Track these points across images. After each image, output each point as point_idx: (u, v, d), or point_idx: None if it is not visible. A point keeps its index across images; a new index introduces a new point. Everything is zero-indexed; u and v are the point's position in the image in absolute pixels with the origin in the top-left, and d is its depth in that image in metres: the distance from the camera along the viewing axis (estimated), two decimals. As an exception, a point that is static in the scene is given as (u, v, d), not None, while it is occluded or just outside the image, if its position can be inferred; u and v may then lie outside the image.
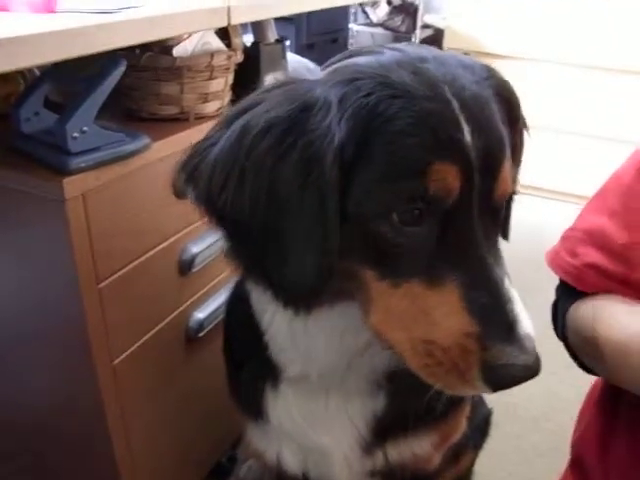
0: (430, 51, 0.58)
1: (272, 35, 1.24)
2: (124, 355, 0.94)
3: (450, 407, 0.77)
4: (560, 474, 0.92)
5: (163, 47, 0.97)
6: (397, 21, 3.19)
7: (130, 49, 0.87)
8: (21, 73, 1.03)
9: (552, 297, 0.85)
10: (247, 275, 0.63)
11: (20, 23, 0.72)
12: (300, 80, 0.56)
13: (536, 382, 0.52)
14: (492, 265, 0.52)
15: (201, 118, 1.05)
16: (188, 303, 1.06)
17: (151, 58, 0.97)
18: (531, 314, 0.52)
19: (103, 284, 0.87)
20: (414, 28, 3.14)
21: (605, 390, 0.85)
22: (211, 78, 1.04)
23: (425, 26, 3.19)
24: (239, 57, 1.10)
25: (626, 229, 0.74)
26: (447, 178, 0.50)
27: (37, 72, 1.01)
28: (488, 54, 2.69)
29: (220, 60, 1.03)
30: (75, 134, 0.80)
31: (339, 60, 0.60)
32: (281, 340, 0.69)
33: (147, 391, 1.03)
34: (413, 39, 3.15)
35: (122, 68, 0.83)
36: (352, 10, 3.28)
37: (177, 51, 0.98)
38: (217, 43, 1.05)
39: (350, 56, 0.59)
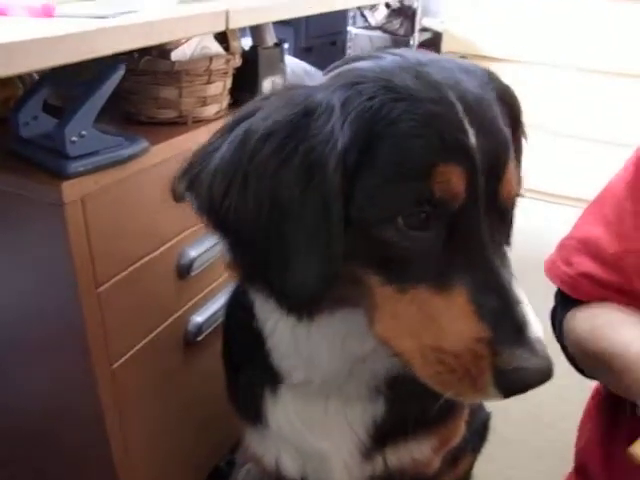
0: (430, 56, 0.58)
1: (271, 39, 1.25)
2: (123, 359, 0.94)
3: (449, 412, 0.77)
4: (561, 478, 0.92)
5: (161, 51, 0.97)
6: (395, 24, 3.20)
7: (128, 53, 0.87)
8: (20, 77, 1.03)
9: (552, 301, 0.85)
10: (249, 284, 0.63)
11: (19, 28, 0.73)
12: (301, 86, 0.56)
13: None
14: (500, 268, 0.52)
15: (199, 122, 1.05)
16: (187, 307, 1.06)
17: (150, 62, 0.97)
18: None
19: (102, 288, 0.87)
20: (412, 31, 3.15)
21: (605, 399, 0.85)
22: (209, 82, 1.04)
23: (423, 29, 3.20)
24: (237, 61, 1.10)
25: (617, 238, 0.75)
26: (452, 180, 0.50)
27: (36, 76, 1.01)
28: (485, 57, 2.70)
29: (219, 64, 1.03)
30: (74, 138, 0.80)
31: (339, 66, 0.59)
32: (284, 347, 0.68)
33: (146, 395, 1.03)
34: (411, 42, 3.16)
35: (121, 72, 0.83)
36: (351, 13, 3.29)
37: (176, 55, 0.98)
38: (216, 47, 1.05)
39: (350, 61, 0.59)
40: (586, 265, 0.77)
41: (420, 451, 0.78)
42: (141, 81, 0.99)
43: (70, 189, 0.79)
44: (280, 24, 1.32)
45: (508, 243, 0.62)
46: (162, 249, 0.97)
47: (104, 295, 0.87)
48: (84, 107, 0.80)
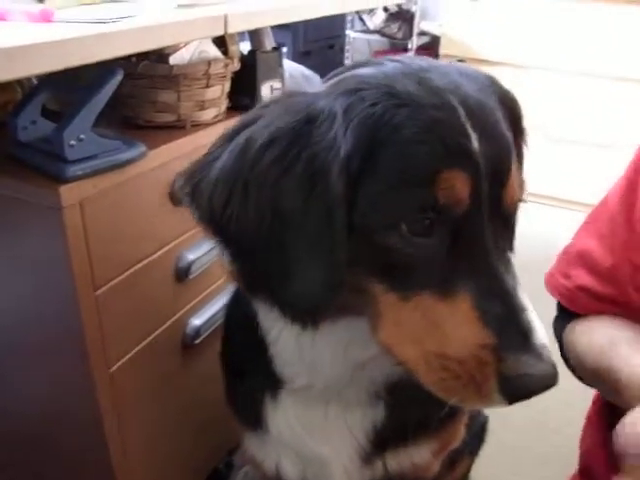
0: (431, 61, 0.58)
1: (269, 43, 1.25)
2: (121, 362, 0.94)
3: (450, 416, 0.77)
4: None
5: (160, 55, 0.98)
6: (393, 28, 3.21)
7: (127, 57, 0.88)
8: (18, 81, 1.03)
9: (555, 307, 0.86)
10: (252, 293, 0.62)
11: (18, 33, 0.73)
12: (302, 93, 0.56)
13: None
14: (504, 274, 0.52)
15: (198, 126, 1.05)
16: (185, 310, 1.06)
17: (148, 66, 0.97)
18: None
19: (100, 291, 0.87)
20: (410, 35, 3.16)
21: (605, 405, 0.85)
22: (208, 86, 1.04)
23: (421, 33, 3.21)
24: (236, 65, 1.10)
25: (611, 251, 0.75)
26: (457, 186, 0.50)
27: (34, 81, 1.02)
28: (483, 61, 2.71)
29: (217, 68, 1.04)
30: (72, 142, 0.81)
31: (340, 73, 0.59)
32: (287, 354, 0.68)
33: (144, 398, 1.03)
34: (409, 46, 3.17)
35: (119, 77, 0.83)
36: (349, 17, 3.30)
37: (174, 59, 0.99)
38: (214, 51, 1.06)
39: (351, 68, 0.59)
40: (583, 278, 0.78)
41: (420, 455, 0.78)
42: (139, 85, 1.00)
43: (68, 193, 0.79)
44: (278, 28, 1.32)
45: (511, 249, 0.62)
46: (160, 252, 0.98)
47: (102, 298, 0.88)
48: (82, 111, 0.81)
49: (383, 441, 0.75)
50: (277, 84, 1.22)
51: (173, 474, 1.16)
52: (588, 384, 0.79)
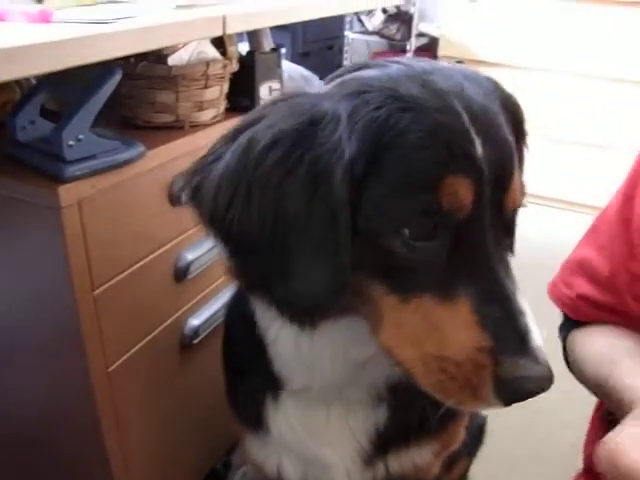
0: (435, 64, 0.58)
1: (268, 44, 1.25)
2: (119, 362, 0.94)
3: (451, 417, 0.77)
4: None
5: (158, 56, 0.98)
6: (392, 29, 3.21)
7: (125, 58, 0.88)
8: (17, 82, 1.03)
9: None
10: (251, 291, 0.62)
11: (17, 33, 0.73)
12: (305, 93, 0.56)
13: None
14: (504, 278, 0.52)
15: (196, 126, 1.05)
16: (183, 310, 1.06)
17: (146, 67, 0.98)
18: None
19: (98, 291, 0.87)
20: (409, 36, 3.16)
21: (608, 413, 0.85)
22: (206, 86, 1.04)
23: (420, 34, 3.21)
24: (234, 66, 1.10)
25: (609, 261, 0.76)
26: (460, 192, 0.50)
27: (33, 81, 1.02)
28: (482, 62, 2.71)
29: (215, 69, 1.04)
30: (71, 142, 0.81)
31: (343, 74, 0.59)
32: (286, 354, 0.68)
33: (142, 398, 1.03)
34: (408, 47, 3.17)
35: (118, 77, 0.83)
36: (348, 18, 3.30)
37: (172, 60, 0.99)
38: (212, 52, 1.06)
39: (354, 70, 0.59)
40: (583, 287, 0.79)
41: (421, 457, 0.78)
42: (138, 86, 1.00)
43: (67, 193, 0.79)
44: (277, 29, 1.32)
45: (512, 251, 0.62)
46: (159, 252, 0.98)
47: (101, 298, 0.88)
48: (81, 111, 0.81)
49: (385, 442, 0.75)
50: (276, 85, 1.23)
51: (171, 474, 1.16)
52: (589, 390, 0.80)
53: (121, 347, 0.95)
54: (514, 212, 0.57)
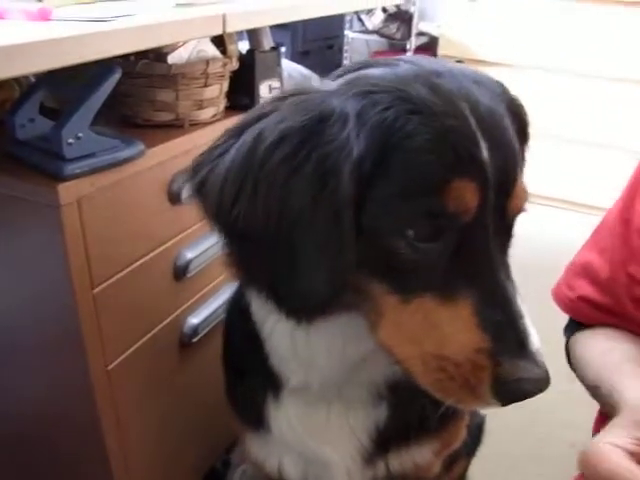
0: (444, 65, 0.58)
1: (268, 42, 1.25)
2: (119, 360, 0.94)
3: (451, 416, 0.77)
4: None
5: (158, 54, 0.98)
6: (392, 28, 3.21)
7: (125, 56, 0.88)
8: (16, 79, 1.03)
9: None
10: (249, 285, 0.62)
11: (16, 31, 0.73)
12: (314, 90, 0.55)
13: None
14: (504, 281, 0.53)
15: (196, 125, 1.05)
16: (183, 308, 1.06)
17: (146, 65, 0.97)
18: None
19: (98, 289, 0.87)
20: (409, 35, 3.17)
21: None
22: (206, 85, 1.04)
23: (420, 33, 3.22)
24: (234, 64, 1.10)
25: (610, 263, 0.77)
26: (466, 195, 0.50)
27: (32, 79, 1.02)
28: (481, 61, 2.71)
29: (215, 67, 1.04)
30: (70, 140, 0.81)
31: (350, 71, 0.58)
32: (282, 350, 0.68)
33: (141, 396, 1.03)
34: (408, 46, 3.17)
35: (117, 75, 0.83)
36: (347, 17, 3.31)
37: (172, 58, 0.99)
38: (212, 50, 1.06)
39: (362, 67, 0.58)
40: (584, 289, 0.79)
41: (422, 455, 0.78)
42: (137, 84, 1.00)
43: (66, 191, 0.79)
44: (277, 28, 1.32)
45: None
46: (158, 251, 0.98)
47: (100, 296, 0.88)
48: (81, 109, 0.81)
49: (386, 441, 0.75)
50: (275, 84, 1.23)
51: (171, 472, 1.16)
52: (589, 392, 0.80)
53: (121, 345, 0.95)
54: (516, 216, 0.58)
